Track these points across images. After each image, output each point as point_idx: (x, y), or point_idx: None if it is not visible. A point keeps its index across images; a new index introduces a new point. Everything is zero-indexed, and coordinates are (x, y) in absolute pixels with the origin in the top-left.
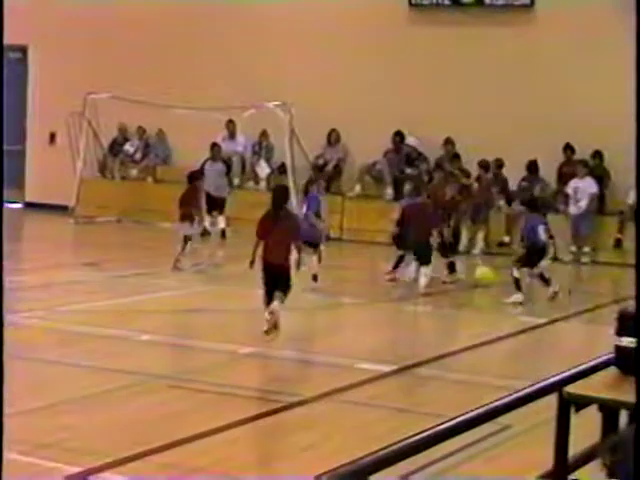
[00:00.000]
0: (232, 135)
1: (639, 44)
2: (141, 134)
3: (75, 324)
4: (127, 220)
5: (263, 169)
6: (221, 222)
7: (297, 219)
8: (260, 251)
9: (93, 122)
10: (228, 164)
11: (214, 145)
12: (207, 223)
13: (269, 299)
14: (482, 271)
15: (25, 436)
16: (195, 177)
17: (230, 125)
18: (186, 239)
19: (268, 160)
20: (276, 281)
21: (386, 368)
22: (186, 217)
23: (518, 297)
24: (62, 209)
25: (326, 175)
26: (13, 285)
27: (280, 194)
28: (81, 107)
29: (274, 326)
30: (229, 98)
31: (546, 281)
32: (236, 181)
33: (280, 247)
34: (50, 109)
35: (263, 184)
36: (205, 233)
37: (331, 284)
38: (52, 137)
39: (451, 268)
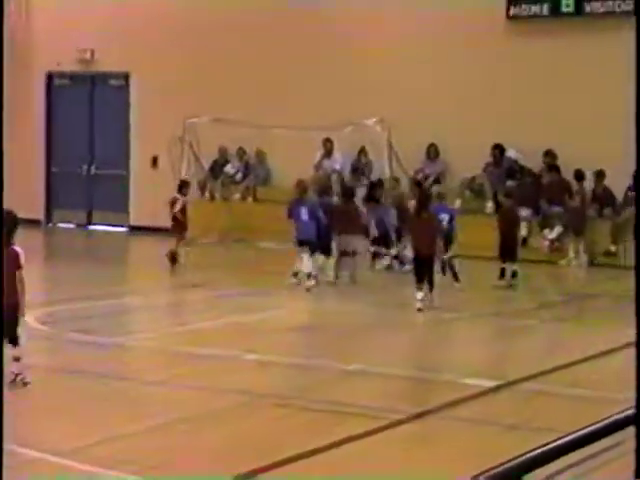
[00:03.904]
0: (329, 153)
1: (639, 44)
2: (241, 155)
3: (183, 344)
4: (229, 240)
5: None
6: None
7: (437, 218)
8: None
9: (194, 145)
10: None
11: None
12: None
13: (420, 283)
14: None
15: (135, 457)
16: None
17: (327, 143)
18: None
19: (368, 176)
20: (424, 269)
21: (492, 383)
22: None
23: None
24: (166, 232)
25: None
26: (120, 308)
27: (425, 196)
28: (181, 131)
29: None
30: (327, 116)
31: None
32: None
33: (426, 240)
34: (152, 134)
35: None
36: None
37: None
38: (154, 161)
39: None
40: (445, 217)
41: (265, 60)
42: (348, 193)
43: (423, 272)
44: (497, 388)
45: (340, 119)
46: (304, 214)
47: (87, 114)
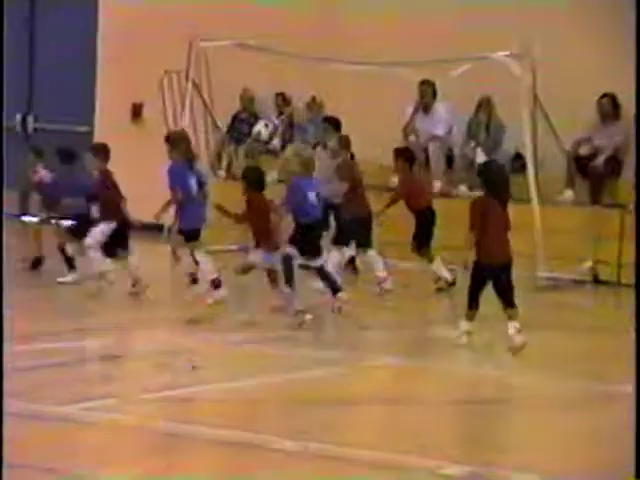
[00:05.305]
0: (426, 107)
1: (639, 42)
2: (281, 106)
3: (173, 420)
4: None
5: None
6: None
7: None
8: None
9: (204, 86)
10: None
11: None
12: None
13: (476, 304)
14: None
15: None
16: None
17: (425, 90)
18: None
19: (495, 145)
20: (496, 285)
21: None
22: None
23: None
24: (151, 230)
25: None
26: (73, 356)
27: (504, 174)
28: (183, 62)
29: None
30: (426, 45)
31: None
32: (437, 185)
33: (502, 241)
34: (133, 67)
35: None
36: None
37: (592, 361)
38: (136, 111)
39: None
40: (312, 195)
41: None
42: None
43: (479, 290)
44: None
45: (449, 50)
46: (193, 184)
47: (25, 29)
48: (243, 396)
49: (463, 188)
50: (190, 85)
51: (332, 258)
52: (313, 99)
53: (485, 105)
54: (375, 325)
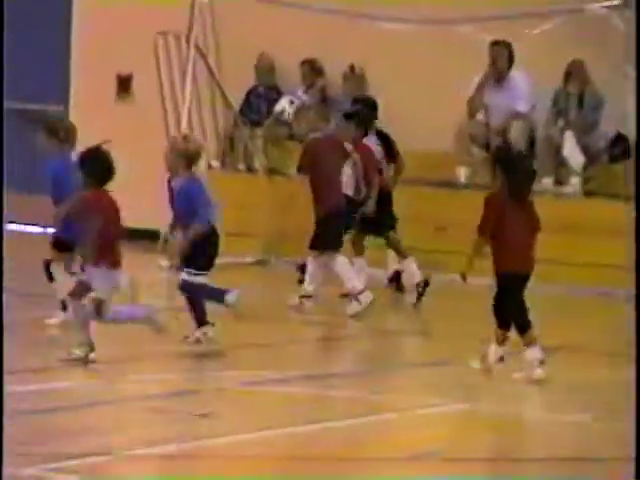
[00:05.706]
0: (500, 75)
1: (639, 43)
2: (311, 78)
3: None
4: (280, 258)
5: (572, 152)
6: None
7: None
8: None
9: (210, 52)
10: (386, 138)
11: None
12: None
13: (528, 322)
14: None
15: None
16: None
17: (499, 53)
18: None
19: (590, 124)
20: (519, 301)
21: None
22: None
23: None
24: (144, 237)
25: None
26: (40, 403)
27: (524, 161)
28: (184, 22)
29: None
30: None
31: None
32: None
33: (525, 246)
34: (118, 28)
35: (575, 181)
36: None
37: None
38: (122, 84)
39: None
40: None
41: None
42: None
43: (522, 306)
44: None
45: (528, 2)
46: None
47: None
48: (259, 451)
49: (547, 181)
50: (192, 50)
51: (338, 264)
52: (351, 68)
53: (577, 73)
54: (421, 358)
